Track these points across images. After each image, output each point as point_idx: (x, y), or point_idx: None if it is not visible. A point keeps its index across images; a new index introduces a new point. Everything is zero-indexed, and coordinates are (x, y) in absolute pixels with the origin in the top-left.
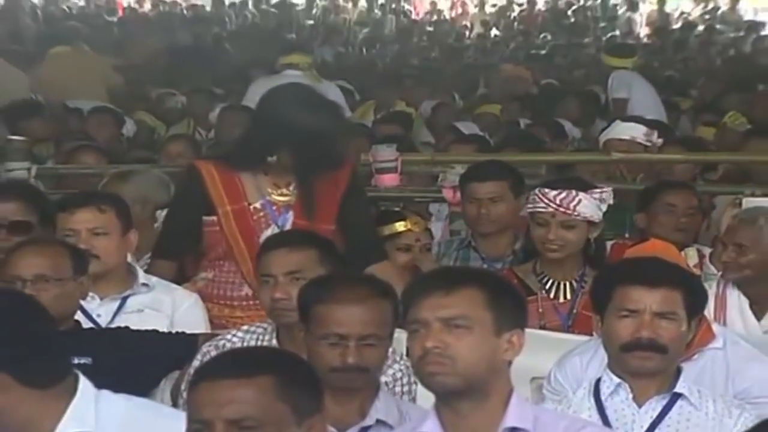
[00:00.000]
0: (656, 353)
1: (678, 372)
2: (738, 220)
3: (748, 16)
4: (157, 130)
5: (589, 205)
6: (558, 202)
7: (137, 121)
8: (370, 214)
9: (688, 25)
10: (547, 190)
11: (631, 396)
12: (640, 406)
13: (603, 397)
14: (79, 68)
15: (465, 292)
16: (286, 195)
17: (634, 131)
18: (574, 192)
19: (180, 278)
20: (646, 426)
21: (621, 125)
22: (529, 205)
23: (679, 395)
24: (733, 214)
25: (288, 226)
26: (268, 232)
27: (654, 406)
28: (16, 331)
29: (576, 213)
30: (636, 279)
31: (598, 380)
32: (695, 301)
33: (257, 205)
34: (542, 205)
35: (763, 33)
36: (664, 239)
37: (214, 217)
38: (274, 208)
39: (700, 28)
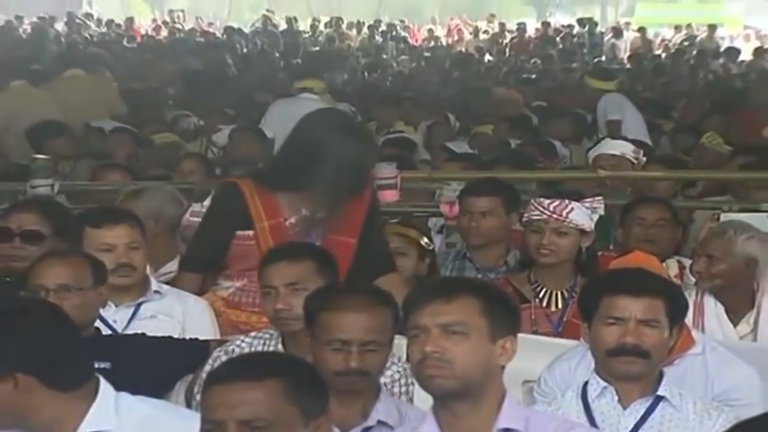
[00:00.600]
0: (640, 358)
1: (660, 376)
2: (709, 233)
3: (725, 43)
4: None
5: (581, 214)
6: (551, 209)
7: (164, 143)
8: (384, 229)
9: (668, 51)
10: (542, 199)
11: (616, 398)
12: (624, 408)
13: (590, 400)
14: (86, 92)
15: (463, 300)
16: (317, 211)
17: (624, 148)
18: (567, 201)
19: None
20: (630, 427)
21: (611, 142)
22: (525, 215)
23: (661, 398)
24: (708, 229)
25: (318, 239)
26: None
27: (638, 408)
28: (42, 338)
29: (568, 220)
30: (621, 289)
31: (586, 383)
32: (676, 309)
33: (292, 220)
34: (537, 213)
35: (738, 59)
36: (637, 250)
37: (250, 232)
38: (307, 223)
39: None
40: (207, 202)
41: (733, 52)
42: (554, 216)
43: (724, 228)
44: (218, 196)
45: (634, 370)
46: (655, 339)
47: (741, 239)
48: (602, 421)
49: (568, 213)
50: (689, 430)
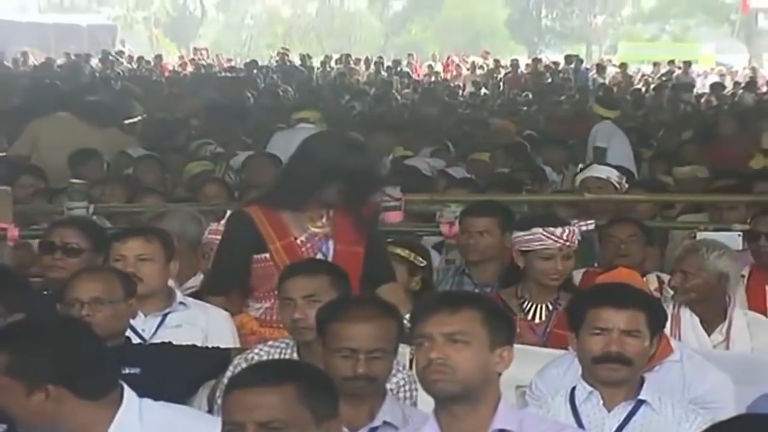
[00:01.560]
0: (623, 365)
1: (642, 381)
2: (684, 251)
3: (698, 79)
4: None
5: (578, 236)
6: (564, 237)
7: (202, 171)
8: (383, 240)
9: (648, 86)
10: (551, 228)
11: (601, 402)
12: (609, 411)
13: (578, 403)
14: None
15: (466, 312)
16: (323, 226)
17: (610, 173)
18: (571, 227)
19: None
20: (614, 428)
21: (598, 167)
22: (535, 244)
23: (642, 402)
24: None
25: (330, 253)
26: None
27: (621, 411)
28: (70, 351)
29: (575, 245)
30: (606, 301)
31: (574, 388)
32: (656, 320)
33: (302, 238)
34: (550, 242)
35: (723, 92)
36: (618, 266)
37: (266, 254)
38: (317, 238)
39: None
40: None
41: (718, 86)
42: (567, 243)
43: (697, 246)
44: (230, 225)
45: (617, 376)
46: (637, 348)
47: (713, 256)
48: (588, 423)
49: (575, 238)
50: (668, 430)
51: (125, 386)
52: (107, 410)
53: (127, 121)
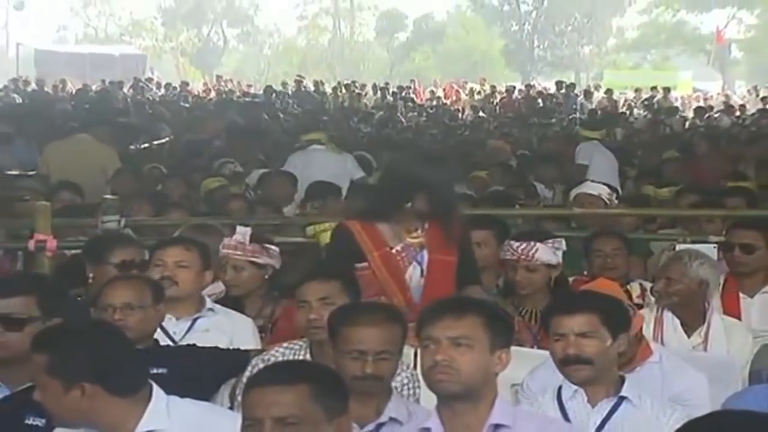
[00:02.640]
0: (584, 365)
1: (623, 380)
2: (668, 259)
3: (677, 103)
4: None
5: (546, 252)
6: (520, 251)
7: (218, 186)
8: (471, 246)
9: (631, 110)
10: (512, 242)
11: (585, 399)
12: (593, 407)
13: (564, 400)
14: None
15: (470, 318)
16: (417, 237)
17: (601, 190)
18: (532, 242)
19: None
20: (598, 423)
21: (591, 184)
22: (506, 255)
23: (624, 398)
24: (666, 255)
25: (425, 262)
26: (411, 270)
27: (604, 406)
28: (104, 352)
29: (535, 260)
30: (560, 310)
31: (560, 387)
32: (614, 319)
33: (398, 248)
34: (509, 254)
35: (705, 116)
36: (601, 276)
37: (365, 264)
38: (412, 248)
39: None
40: (239, 236)
41: (701, 110)
42: (522, 257)
43: (680, 254)
44: (332, 239)
45: (582, 375)
46: (595, 348)
47: (695, 264)
48: (574, 418)
49: (534, 253)
50: (647, 424)
51: (154, 384)
52: (137, 407)
53: (156, 142)
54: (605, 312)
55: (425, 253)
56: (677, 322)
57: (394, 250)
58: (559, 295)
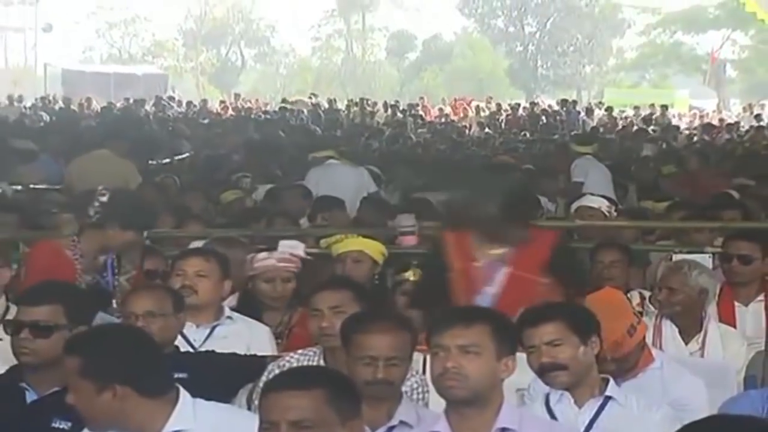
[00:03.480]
0: (560, 371)
1: (607, 381)
2: (668, 269)
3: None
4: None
5: None
6: None
7: (235, 199)
8: (577, 266)
9: (630, 126)
10: None
11: (572, 401)
12: (580, 408)
13: (552, 405)
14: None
15: (478, 327)
16: (500, 252)
17: (601, 203)
18: None
19: None
20: (586, 422)
21: (591, 197)
22: None
23: (609, 398)
24: (666, 266)
25: (501, 278)
26: (485, 288)
27: (591, 407)
28: (134, 355)
29: None
30: (527, 323)
31: (548, 394)
32: (581, 324)
33: (480, 262)
34: None
35: (686, 132)
36: (602, 286)
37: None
38: (493, 263)
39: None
40: (292, 249)
41: (709, 127)
42: None
43: (680, 265)
44: (432, 246)
45: (561, 380)
46: (568, 353)
47: (694, 273)
48: (563, 420)
49: None
50: (634, 421)
51: (180, 387)
52: (165, 408)
53: (177, 157)
54: (570, 318)
55: (504, 269)
56: (675, 329)
57: (476, 264)
58: (525, 309)
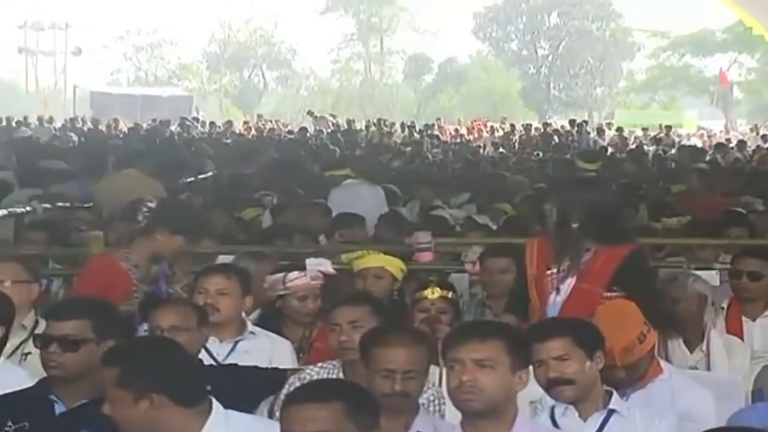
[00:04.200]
0: (567, 385)
1: (610, 394)
2: (665, 282)
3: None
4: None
5: None
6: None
7: (255, 216)
8: (647, 284)
9: (641, 146)
10: None
11: (577, 414)
12: (585, 421)
13: (557, 418)
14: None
15: (493, 341)
16: (574, 262)
17: None
18: None
19: None
20: None
21: None
22: None
23: (613, 411)
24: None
25: (566, 290)
26: (552, 296)
27: (596, 419)
28: (170, 365)
29: None
30: (534, 337)
31: (553, 407)
32: (587, 339)
33: (553, 271)
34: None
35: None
36: None
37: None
38: (563, 273)
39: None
40: (321, 267)
41: (722, 146)
42: None
43: (674, 275)
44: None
45: (567, 395)
46: (574, 367)
47: (690, 281)
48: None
49: None
50: None
51: (212, 398)
52: (199, 418)
53: (200, 176)
54: (576, 334)
55: (569, 280)
56: (680, 340)
57: (548, 272)
58: (532, 324)
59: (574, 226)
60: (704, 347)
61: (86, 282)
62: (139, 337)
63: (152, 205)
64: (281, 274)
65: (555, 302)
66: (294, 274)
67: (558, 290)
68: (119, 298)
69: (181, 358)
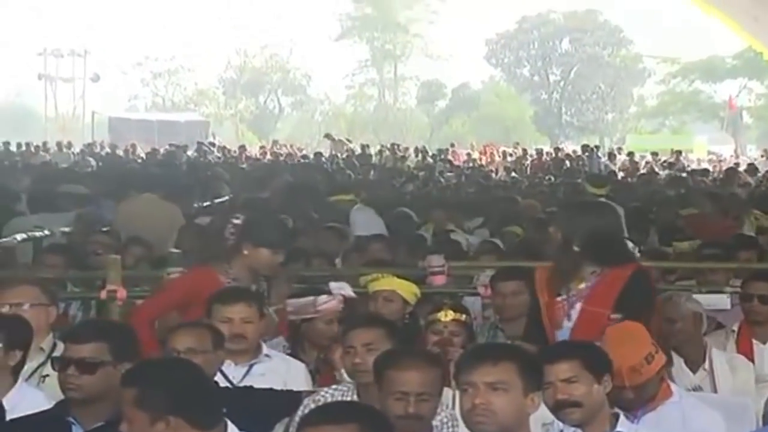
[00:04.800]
0: (574, 408)
1: (617, 417)
2: (660, 304)
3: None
4: None
5: None
6: None
7: None
8: (647, 306)
9: (652, 171)
10: None
11: None
12: None
13: None
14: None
15: (505, 364)
16: (582, 287)
17: None
18: None
19: None
20: None
21: None
22: None
23: None
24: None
25: (575, 314)
26: (564, 322)
27: None
28: (187, 387)
29: None
30: (543, 360)
31: (562, 430)
32: (595, 363)
33: (563, 297)
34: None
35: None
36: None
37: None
38: (573, 298)
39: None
40: (343, 291)
41: (732, 172)
42: None
43: (668, 296)
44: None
45: (575, 417)
46: (581, 390)
47: (683, 300)
48: None
49: None
50: None
51: (228, 421)
52: None
53: (216, 200)
54: (585, 357)
55: (578, 305)
56: (681, 360)
57: (558, 299)
58: (541, 346)
59: (576, 249)
60: (707, 366)
61: (178, 288)
62: (158, 358)
63: (238, 222)
64: (311, 298)
65: (565, 328)
66: (323, 297)
67: (569, 316)
68: None
69: (199, 380)
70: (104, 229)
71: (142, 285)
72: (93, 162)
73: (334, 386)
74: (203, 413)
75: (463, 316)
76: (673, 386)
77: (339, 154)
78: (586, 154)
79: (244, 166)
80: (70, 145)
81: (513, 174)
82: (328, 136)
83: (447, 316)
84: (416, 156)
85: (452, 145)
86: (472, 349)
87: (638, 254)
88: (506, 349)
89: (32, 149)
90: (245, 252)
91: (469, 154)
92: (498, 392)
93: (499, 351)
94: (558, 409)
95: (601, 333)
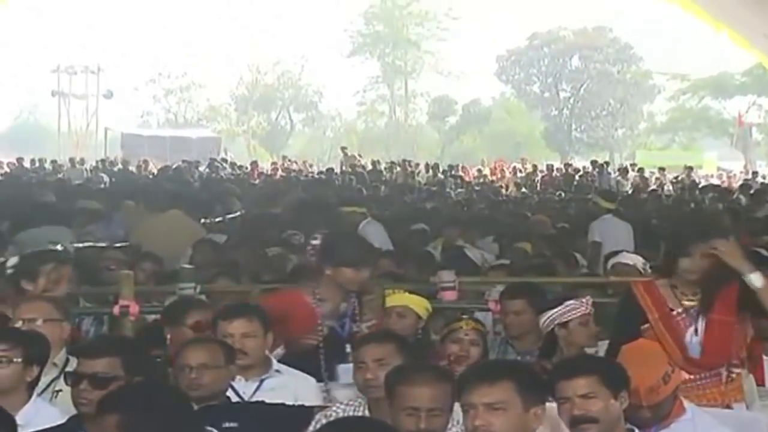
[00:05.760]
0: (591, 424)
1: None
2: None
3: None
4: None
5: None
6: (589, 304)
7: (277, 254)
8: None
9: (661, 187)
10: (581, 299)
11: None
12: None
13: None
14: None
15: (502, 383)
16: (693, 300)
17: (636, 260)
18: (585, 299)
19: None
20: None
21: (627, 255)
22: (571, 313)
23: None
24: None
25: (701, 328)
26: (690, 332)
27: None
28: (168, 416)
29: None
30: (561, 375)
31: None
32: (613, 379)
33: (679, 309)
34: (583, 309)
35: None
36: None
37: (648, 325)
38: (691, 311)
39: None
40: None
41: (746, 187)
42: (588, 311)
43: None
44: (621, 299)
45: None
46: (598, 406)
47: None
48: None
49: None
50: None
51: None
52: None
53: (228, 216)
54: (603, 373)
55: (701, 319)
56: None
57: (674, 312)
58: (559, 361)
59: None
60: None
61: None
62: (139, 383)
63: (317, 242)
64: None
65: (692, 341)
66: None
67: (696, 330)
68: (299, 331)
69: (180, 404)
70: (120, 244)
71: (153, 300)
72: (106, 178)
73: (345, 401)
74: None
75: (481, 326)
76: (686, 403)
77: (350, 169)
78: (596, 169)
79: (255, 182)
80: (83, 161)
81: (523, 190)
82: (343, 149)
83: (468, 324)
84: (427, 172)
85: (465, 169)
86: (470, 369)
87: (649, 269)
88: (503, 368)
89: (46, 165)
90: (328, 272)
91: (479, 170)
92: (497, 412)
93: (496, 371)
94: (574, 424)
95: (729, 338)
